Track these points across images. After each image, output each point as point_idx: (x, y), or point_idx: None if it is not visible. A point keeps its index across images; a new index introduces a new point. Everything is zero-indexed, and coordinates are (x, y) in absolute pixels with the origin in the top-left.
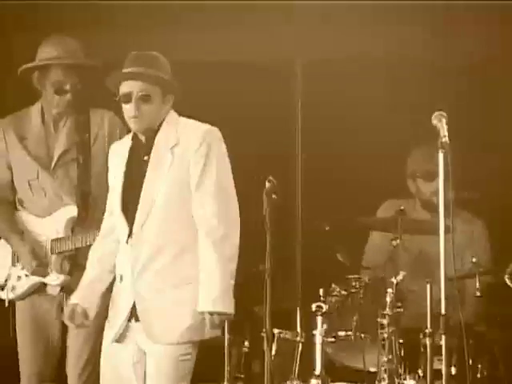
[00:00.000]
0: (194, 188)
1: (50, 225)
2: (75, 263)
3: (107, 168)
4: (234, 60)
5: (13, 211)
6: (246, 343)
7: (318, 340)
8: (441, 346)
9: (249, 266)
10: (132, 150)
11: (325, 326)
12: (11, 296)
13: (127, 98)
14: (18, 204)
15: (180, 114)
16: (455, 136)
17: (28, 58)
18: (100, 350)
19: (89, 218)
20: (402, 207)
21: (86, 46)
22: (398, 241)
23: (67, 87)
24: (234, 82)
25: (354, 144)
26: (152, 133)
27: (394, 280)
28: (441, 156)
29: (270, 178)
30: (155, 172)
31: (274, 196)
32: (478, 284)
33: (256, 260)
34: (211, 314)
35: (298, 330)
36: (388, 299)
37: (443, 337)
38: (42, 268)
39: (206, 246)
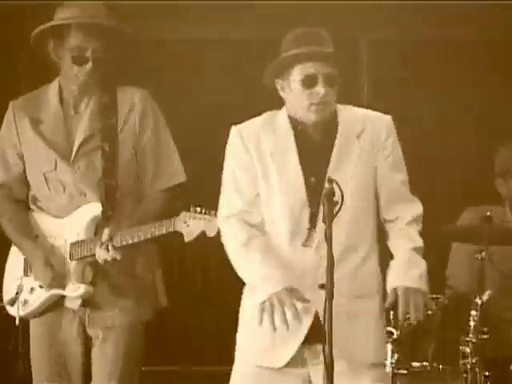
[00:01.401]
0: (384, 178)
1: (69, 226)
2: (99, 271)
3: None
4: None
5: (26, 211)
6: None
7: (388, 372)
8: None
9: None
10: (297, 138)
11: (396, 356)
12: (22, 313)
13: (312, 81)
14: (30, 203)
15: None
16: None
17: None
18: (133, 373)
19: (115, 216)
20: (488, 213)
21: None
22: (484, 253)
23: (88, 54)
24: None
25: (427, 140)
26: (323, 122)
27: (478, 300)
28: None
29: (331, 176)
30: (341, 163)
31: (335, 199)
32: None
33: None
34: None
35: None
36: (471, 323)
37: None
38: (58, 281)
39: (413, 230)
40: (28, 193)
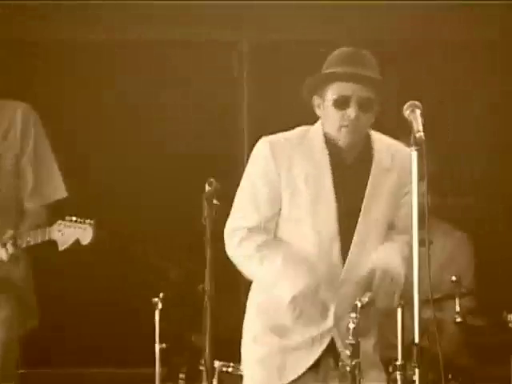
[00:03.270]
0: (401, 215)
1: None
2: None
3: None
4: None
5: None
6: (182, 375)
7: None
8: (414, 381)
9: (186, 285)
10: (332, 160)
11: None
12: None
13: (345, 102)
14: None
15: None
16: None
17: None
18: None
19: None
20: None
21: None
22: None
23: None
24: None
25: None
26: (356, 147)
27: (358, 302)
28: (414, 155)
29: (212, 179)
30: (375, 195)
31: (215, 202)
32: (458, 307)
33: (195, 278)
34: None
35: None
36: (351, 326)
37: (417, 370)
38: None
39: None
40: None
